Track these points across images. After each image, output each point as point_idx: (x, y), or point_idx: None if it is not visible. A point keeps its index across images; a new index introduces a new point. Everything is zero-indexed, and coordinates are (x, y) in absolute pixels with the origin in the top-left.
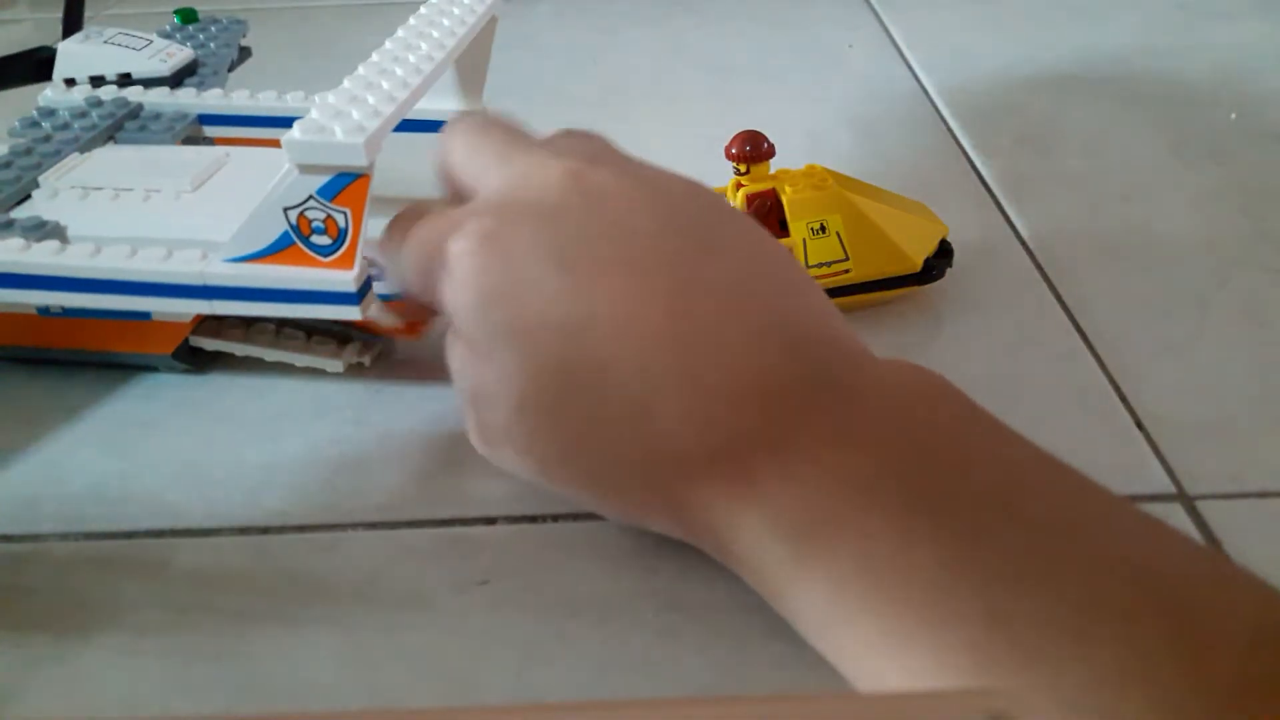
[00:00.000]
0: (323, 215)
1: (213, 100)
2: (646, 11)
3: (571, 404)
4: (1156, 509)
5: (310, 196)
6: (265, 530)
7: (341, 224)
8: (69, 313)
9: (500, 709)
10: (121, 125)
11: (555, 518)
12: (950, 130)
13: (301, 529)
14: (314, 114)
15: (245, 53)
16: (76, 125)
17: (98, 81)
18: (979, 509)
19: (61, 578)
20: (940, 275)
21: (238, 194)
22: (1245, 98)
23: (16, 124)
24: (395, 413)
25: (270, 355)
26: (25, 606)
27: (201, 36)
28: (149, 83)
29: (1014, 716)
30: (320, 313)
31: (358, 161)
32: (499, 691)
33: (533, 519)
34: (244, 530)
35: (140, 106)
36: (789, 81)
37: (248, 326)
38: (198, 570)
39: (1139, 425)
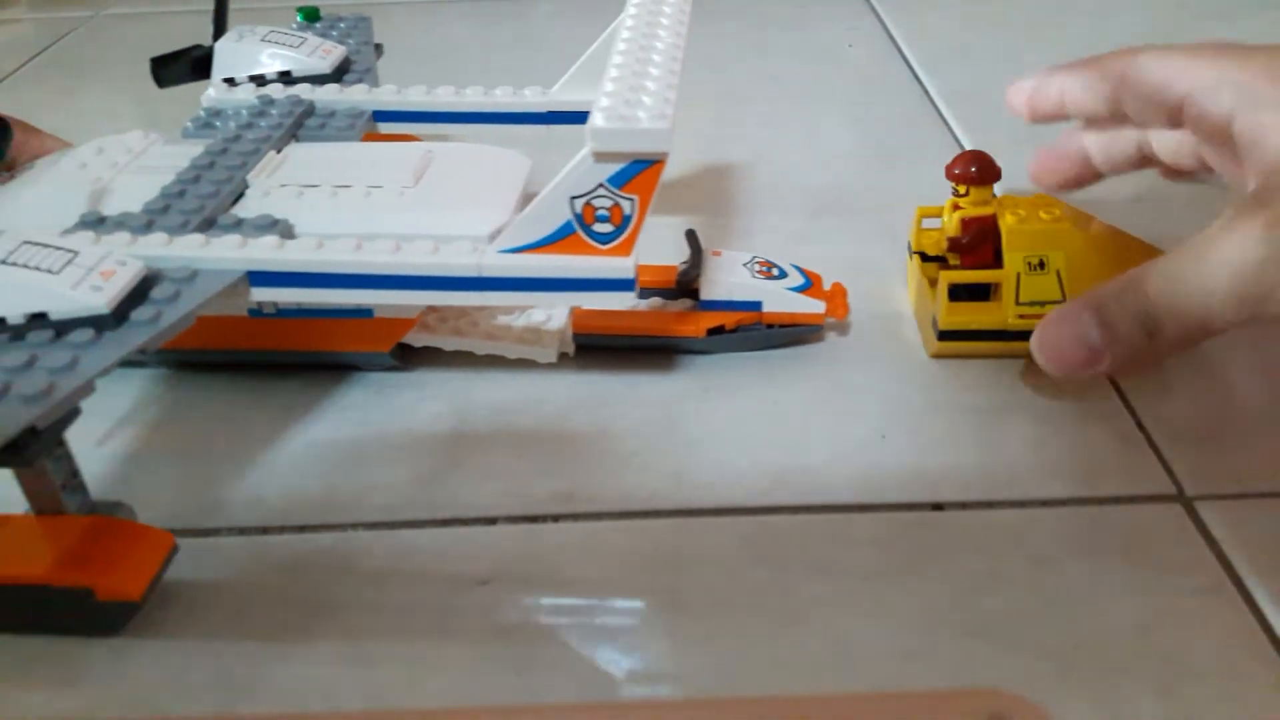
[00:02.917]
0: (610, 203)
1: (387, 96)
2: None
3: None
4: (1156, 509)
5: (600, 185)
6: (265, 530)
7: (628, 211)
8: (283, 313)
9: (500, 709)
10: (301, 123)
11: (555, 518)
12: (950, 130)
13: (301, 529)
14: (606, 103)
15: (379, 49)
16: (263, 124)
17: (258, 80)
18: None
19: None
20: None
21: (457, 187)
22: None
23: (189, 124)
24: (395, 413)
25: (482, 349)
26: None
27: (334, 34)
28: (315, 80)
29: (1014, 716)
30: (593, 301)
31: (663, 147)
32: (499, 691)
33: (533, 519)
34: (244, 530)
35: (313, 104)
36: (789, 81)
37: (458, 321)
38: (198, 569)
39: (1139, 425)
